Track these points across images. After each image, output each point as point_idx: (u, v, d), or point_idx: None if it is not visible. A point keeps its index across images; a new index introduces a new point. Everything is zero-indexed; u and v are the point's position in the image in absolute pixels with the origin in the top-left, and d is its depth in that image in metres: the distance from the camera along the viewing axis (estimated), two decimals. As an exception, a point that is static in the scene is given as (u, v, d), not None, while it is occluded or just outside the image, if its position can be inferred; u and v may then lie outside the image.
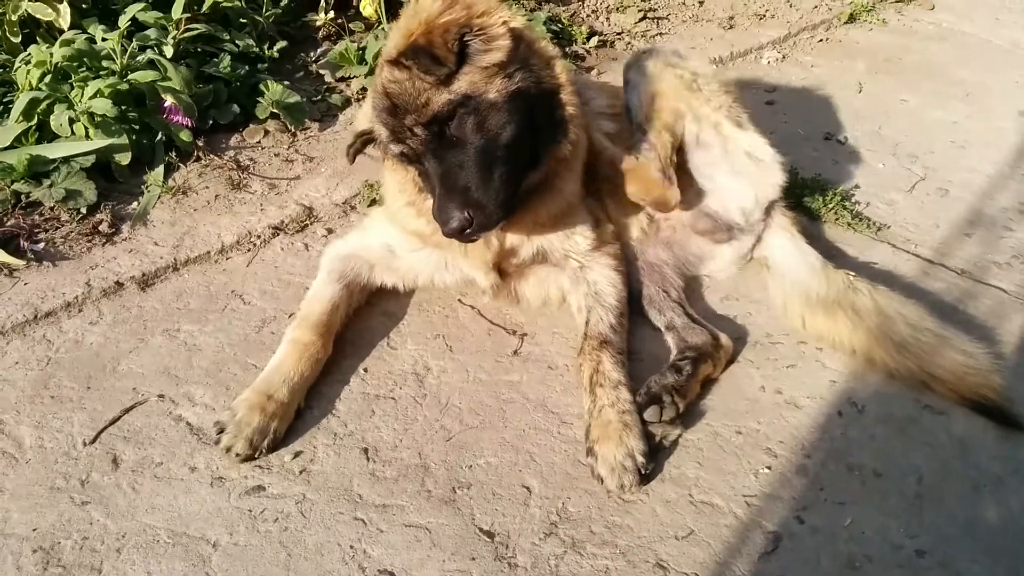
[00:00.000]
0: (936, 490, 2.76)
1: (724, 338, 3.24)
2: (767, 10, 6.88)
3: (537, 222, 3.17)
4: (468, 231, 2.78)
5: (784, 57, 6.17)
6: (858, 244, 3.93)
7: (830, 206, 4.08)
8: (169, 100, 4.18)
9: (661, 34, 6.29)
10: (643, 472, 2.70)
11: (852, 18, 6.86)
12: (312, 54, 5.35)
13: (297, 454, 2.82)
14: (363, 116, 3.23)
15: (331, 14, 5.42)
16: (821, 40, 6.52)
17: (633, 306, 3.39)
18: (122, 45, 4.19)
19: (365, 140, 3.15)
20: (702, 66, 3.79)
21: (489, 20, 2.79)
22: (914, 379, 3.10)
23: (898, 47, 6.40)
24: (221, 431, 2.79)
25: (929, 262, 3.83)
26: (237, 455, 2.75)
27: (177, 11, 4.51)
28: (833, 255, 3.71)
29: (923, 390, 3.10)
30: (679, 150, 3.44)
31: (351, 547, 2.52)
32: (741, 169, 3.53)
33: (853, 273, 3.39)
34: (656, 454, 2.82)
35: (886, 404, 3.08)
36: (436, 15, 2.75)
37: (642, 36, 6.15)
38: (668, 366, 3.08)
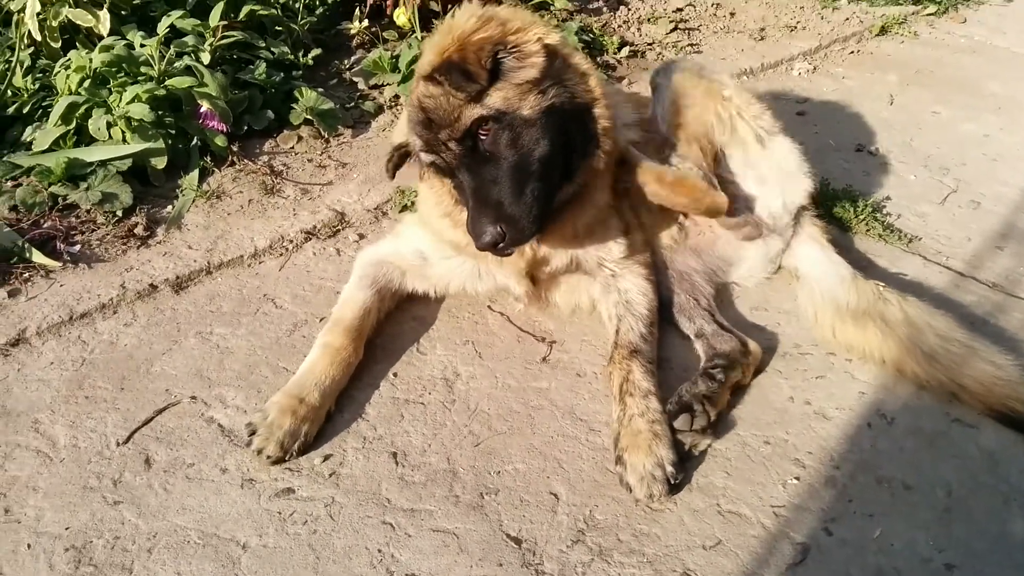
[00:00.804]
0: (965, 503, 2.73)
1: (753, 344, 3.24)
2: (798, 22, 6.88)
3: (570, 233, 3.19)
4: (501, 245, 2.79)
5: (815, 69, 6.15)
6: (889, 255, 3.91)
7: (861, 217, 4.06)
8: (205, 106, 4.25)
9: (692, 45, 6.29)
10: (672, 482, 2.69)
11: (884, 31, 6.83)
12: (346, 62, 5.42)
13: (327, 457, 2.84)
14: (399, 129, 3.26)
15: (365, 23, 5.49)
16: (852, 52, 6.50)
17: (663, 314, 3.39)
18: (160, 51, 4.27)
19: (403, 154, 3.17)
20: (728, 77, 3.80)
21: (524, 37, 2.82)
22: (943, 390, 3.08)
23: (930, 60, 6.36)
24: (252, 433, 2.82)
25: (960, 275, 3.80)
26: (268, 457, 2.77)
27: (214, 18, 4.60)
28: (864, 266, 3.70)
29: (952, 401, 3.07)
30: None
31: (379, 551, 2.53)
32: (768, 176, 3.54)
33: (883, 284, 3.38)
34: (686, 463, 2.82)
35: (916, 416, 3.05)
36: (470, 32, 2.78)
37: (673, 46, 6.16)
38: (699, 374, 3.08)
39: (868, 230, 4.03)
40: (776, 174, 3.57)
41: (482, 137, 2.82)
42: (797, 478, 2.80)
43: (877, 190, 4.48)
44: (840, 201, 4.15)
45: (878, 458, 2.89)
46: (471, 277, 3.34)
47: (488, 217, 2.77)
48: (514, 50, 2.79)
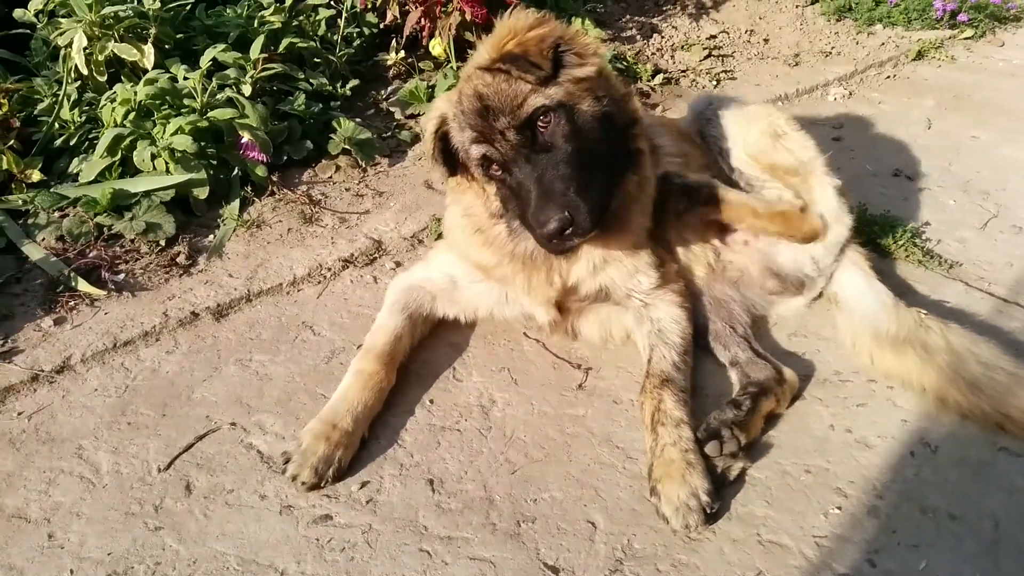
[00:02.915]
0: (1013, 536, 2.65)
1: (788, 372, 3.20)
2: (833, 47, 6.86)
3: (605, 256, 3.18)
4: (568, 232, 2.74)
5: (851, 94, 6.12)
6: (929, 282, 3.85)
7: (900, 243, 4.02)
8: (246, 136, 4.33)
9: (726, 71, 6.30)
10: (708, 511, 2.65)
11: (920, 55, 6.79)
12: (383, 92, 5.51)
13: (364, 484, 2.85)
14: (431, 120, 3.13)
15: (402, 54, 5.60)
16: (888, 77, 6.46)
17: (699, 341, 3.37)
18: (203, 84, 4.38)
19: (444, 135, 3.06)
20: (776, 111, 3.81)
21: (581, 38, 2.90)
22: (988, 420, 3.02)
23: (968, 84, 6.30)
24: (287, 460, 2.84)
25: (1004, 300, 3.73)
26: (303, 484, 2.79)
27: (255, 52, 4.71)
28: (904, 293, 3.64)
29: (998, 431, 3.01)
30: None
31: (416, 578, 2.53)
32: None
33: (924, 311, 3.33)
34: (721, 491, 2.78)
35: (960, 445, 2.99)
36: (529, 27, 2.85)
37: (707, 73, 6.17)
38: (728, 402, 3.05)
39: (907, 256, 3.98)
40: (825, 213, 3.55)
41: (541, 128, 2.83)
42: (839, 508, 2.75)
43: (916, 215, 4.43)
44: (879, 227, 4.10)
45: (922, 488, 2.83)
46: (498, 303, 3.35)
47: (555, 202, 2.73)
48: (572, 46, 2.86)
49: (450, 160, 3.09)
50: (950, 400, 3.08)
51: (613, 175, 2.99)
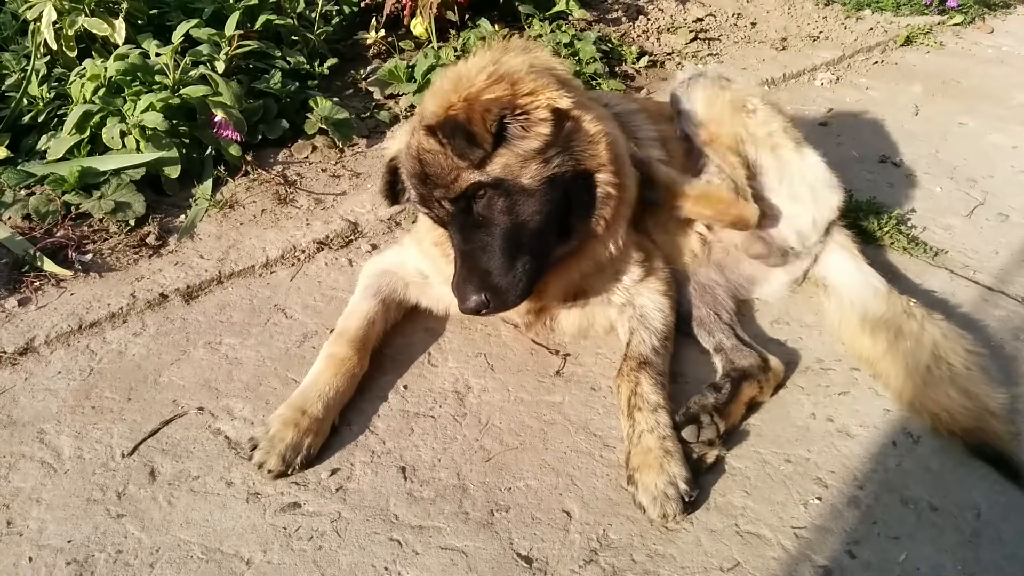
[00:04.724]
0: (994, 527, 2.63)
1: (774, 361, 3.15)
2: (821, 32, 6.81)
3: (566, 284, 3.14)
4: (484, 312, 2.77)
5: (838, 79, 6.07)
6: (914, 269, 3.82)
7: (885, 229, 3.98)
8: (219, 115, 4.23)
9: (712, 55, 6.23)
10: (686, 499, 2.61)
11: (908, 41, 6.75)
12: (362, 71, 5.40)
13: (334, 471, 2.78)
14: (387, 152, 3.14)
15: (382, 32, 5.50)
16: (876, 62, 6.42)
17: (683, 327, 3.32)
18: (175, 60, 4.26)
19: (393, 168, 3.07)
20: (752, 88, 3.75)
21: (534, 101, 2.71)
22: (922, 411, 2.99)
23: (956, 70, 6.27)
24: (254, 447, 2.77)
25: (988, 289, 3.71)
26: (270, 471, 2.72)
27: (230, 28, 4.60)
28: (889, 279, 3.58)
29: (934, 423, 2.97)
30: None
31: (385, 569, 2.46)
32: (798, 191, 3.47)
33: (914, 300, 3.29)
34: (699, 478, 2.73)
35: (943, 435, 2.94)
36: (479, 91, 2.70)
37: (693, 56, 6.10)
38: (708, 385, 3.01)
39: (892, 243, 3.95)
40: (807, 190, 3.49)
41: (476, 203, 2.76)
42: (819, 498, 2.71)
43: (902, 202, 4.40)
44: (864, 213, 4.07)
45: (904, 478, 2.80)
46: None
47: (473, 284, 2.74)
48: (521, 116, 2.69)
49: (397, 194, 3.11)
50: (892, 386, 3.10)
51: (569, 223, 2.91)
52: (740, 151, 3.42)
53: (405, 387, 3.14)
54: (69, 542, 2.51)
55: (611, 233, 3.06)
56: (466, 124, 2.63)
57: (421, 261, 3.31)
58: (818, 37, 6.72)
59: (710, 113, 3.47)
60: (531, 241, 2.78)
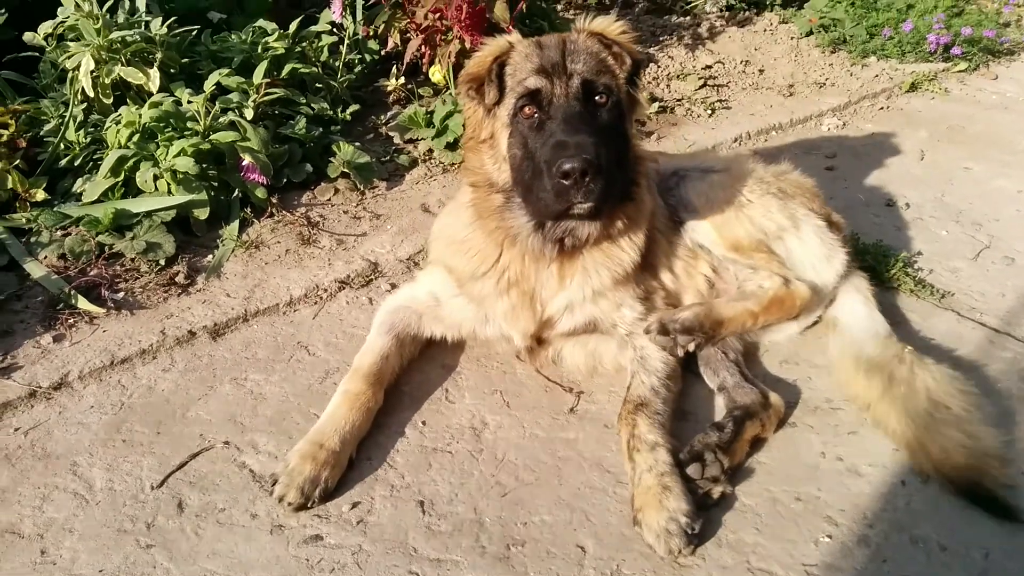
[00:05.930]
0: (1003, 567, 2.66)
1: (774, 397, 3.22)
2: (827, 78, 6.93)
3: (589, 284, 3.21)
4: (587, 179, 2.74)
5: (844, 124, 6.18)
6: (922, 311, 3.88)
7: (892, 272, 4.05)
8: (247, 159, 4.39)
9: (721, 101, 6.37)
10: (689, 532, 2.64)
11: (914, 87, 6.87)
12: (382, 117, 5.58)
13: (355, 504, 2.86)
14: (491, 45, 3.13)
15: (402, 80, 5.68)
16: (882, 108, 6.53)
17: (690, 366, 3.40)
18: (206, 107, 4.44)
19: (502, 63, 3.05)
20: (749, 164, 3.84)
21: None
22: (917, 453, 3.02)
23: (961, 116, 6.36)
24: (275, 481, 2.86)
25: (995, 331, 3.76)
26: (290, 504, 2.80)
27: (258, 76, 4.78)
28: (895, 322, 3.67)
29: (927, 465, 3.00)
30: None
31: (405, 599, 2.54)
32: (802, 275, 3.58)
33: (911, 348, 3.33)
34: (704, 510, 2.78)
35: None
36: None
37: (702, 103, 6.24)
38: (711, 425, 3.08)
39: (899, 285, 4.01)
40: (809, 269, 3.59)
41: (600, 100, 2.96)
42: (829, 536, 2.76)
43: (908, 245, 4.47)
44: (871, 256, 4.13)
45: (913, 517, 2.84)
46: (479, 322, 3.37)
47: (583, 147, 2.74)
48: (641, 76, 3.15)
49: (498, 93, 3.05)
50: (890, 430, 3.12)
51: (624, 185, 3.07)
52: (767, 245, 3.55)
53: (423, 423, 3.23)
54: (100, 571, 2.59)
55: (628, 231, 3.20)
56: (625, 43, 3.04)
57: (434, 282, 3.42)
58: (824, 83, 6.85)
59: (711, 216, 3.57)
60: (619, 166, 2.97)
